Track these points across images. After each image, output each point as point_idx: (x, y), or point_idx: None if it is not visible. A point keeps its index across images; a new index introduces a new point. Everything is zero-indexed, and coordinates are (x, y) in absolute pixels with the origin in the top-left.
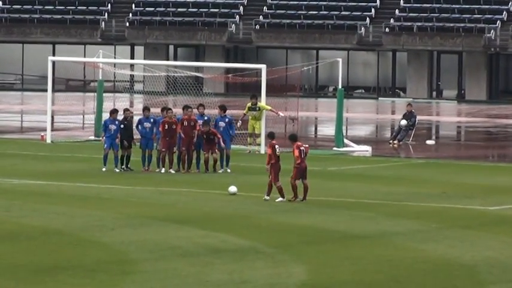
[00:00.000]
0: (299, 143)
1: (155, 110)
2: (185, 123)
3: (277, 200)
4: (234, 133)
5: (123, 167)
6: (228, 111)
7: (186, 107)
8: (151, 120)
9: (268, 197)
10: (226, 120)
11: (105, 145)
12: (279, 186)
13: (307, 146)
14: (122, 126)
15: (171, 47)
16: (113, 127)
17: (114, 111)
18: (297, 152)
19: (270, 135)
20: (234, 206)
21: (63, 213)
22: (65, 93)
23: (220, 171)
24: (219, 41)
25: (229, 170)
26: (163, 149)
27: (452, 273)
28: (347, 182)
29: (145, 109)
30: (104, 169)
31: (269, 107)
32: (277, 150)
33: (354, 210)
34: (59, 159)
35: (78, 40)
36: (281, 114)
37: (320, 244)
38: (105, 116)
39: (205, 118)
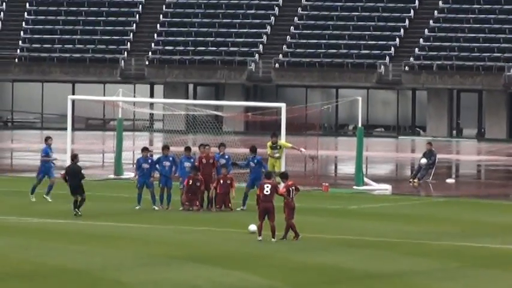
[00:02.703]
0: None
1: (175, 149)
2: (204, 161)
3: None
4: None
5: (76, 209)
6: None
7: (202, 145)
8: (171, 158)
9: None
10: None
11: (138, 184)
12: (291, 223)
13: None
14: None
15: (191, 86)
16: (145, 166)
17: (144, 149)
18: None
19: (283, 176)
20: (252, 244)
21: (81, 252)
22: (84, 132)
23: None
24: (238, 80)
25: (244, 208)
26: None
27: None
28: (367, 221)
29: (165, 148)
30: (137, 207)
31: (290, 145)
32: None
33: (374, 249)
34: None
35: (97, 79)
36: (303, 149)
37: (339, 283)
38: (125, 154)
39: (226, 157)
